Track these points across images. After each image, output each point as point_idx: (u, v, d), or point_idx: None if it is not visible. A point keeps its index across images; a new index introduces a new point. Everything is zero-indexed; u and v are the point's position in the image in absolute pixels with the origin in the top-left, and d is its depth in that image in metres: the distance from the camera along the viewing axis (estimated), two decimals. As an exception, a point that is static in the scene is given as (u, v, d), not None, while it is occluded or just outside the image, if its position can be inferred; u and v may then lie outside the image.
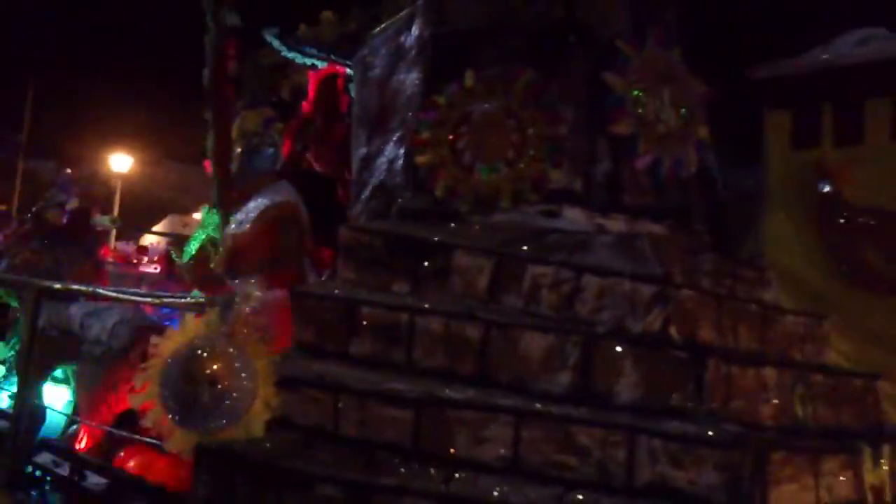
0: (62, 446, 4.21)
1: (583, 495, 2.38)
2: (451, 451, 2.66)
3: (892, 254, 3.61)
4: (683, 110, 3.77)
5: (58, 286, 4.34)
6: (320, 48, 5.34)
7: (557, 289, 3.04)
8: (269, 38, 6.85)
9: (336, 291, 3.34)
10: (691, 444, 2.33)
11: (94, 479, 3.81)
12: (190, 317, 3.14)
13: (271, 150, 4.30)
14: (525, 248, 3.22)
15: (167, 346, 3.08)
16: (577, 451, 2.48)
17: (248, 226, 3.77)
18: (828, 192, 3.77)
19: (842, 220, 3.71)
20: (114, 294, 4.05)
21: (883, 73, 3.71)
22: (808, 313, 3.65)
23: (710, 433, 2.33)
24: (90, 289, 4.24)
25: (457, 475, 2.58)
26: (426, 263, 3.31)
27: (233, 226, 3.90)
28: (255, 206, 3.84)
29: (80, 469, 3.88)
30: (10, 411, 4.29)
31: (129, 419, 4.19)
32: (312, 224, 4.31)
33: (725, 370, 2.61)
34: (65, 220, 5.57)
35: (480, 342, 2.91)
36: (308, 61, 6.35)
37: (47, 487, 3.94)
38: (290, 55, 6.57)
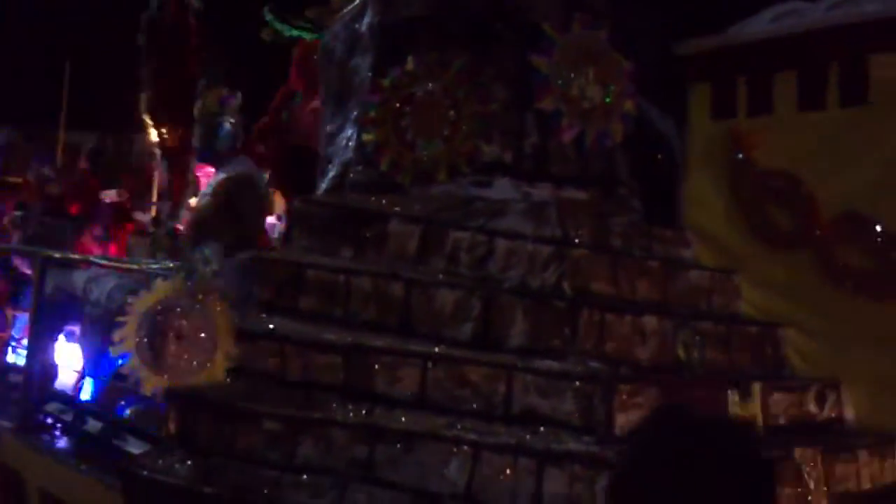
0: (68, 396, 4.78)
1: (469, 422, 2.85)
2: (373, 389, 3.14)
3: (794, 213, 3.98)
4: (610, 87, 4.16)
5: (58, 255, 4.88)
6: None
7: (473, 251, 3.49)
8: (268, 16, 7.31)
9: (288, 256, 3.83)
10: (554, 378, 2.79)
11: (94, 424, 4.38)
12: (160, 280, 3.65)
13: (229, 127, 4.76)
14: (450, 215, 3.68)
15: (140, 304, 3.59)
16: (469, 386, 2.95)
17: (207, 198, 4.26)
18: (740, 158, 4.14)
19: (751, 184, 4.08)
20: (100, 262, 4.58)
21: (789, 47, 4.04)
22: (719, 269, 4.07)
23: (568, 369, 2.79)
24: (83, 258, 4.76)
25: (376, 409, 3.06)
26: (367, 230, 3.79)
27: (197, 200, 4.39)
28: (214, 180, 4.32)
29: (81, 415, 4.44)
30: (23, 366, 4.87)
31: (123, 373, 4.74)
32: (296, 191, 4.78)
33: (599, 317, 3.05)
34: (59, 193, 6.09)
35: (403, 298, 3.38)
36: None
37: (55, 432, 4.51)
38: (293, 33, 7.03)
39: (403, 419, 2.94)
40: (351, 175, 4.24)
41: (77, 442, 4.28)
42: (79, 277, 5.14)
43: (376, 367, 3.17)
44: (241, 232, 4.27)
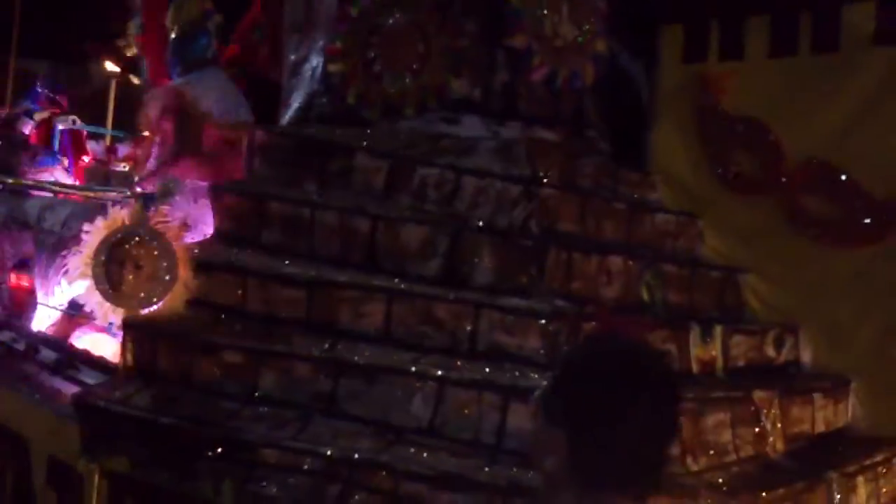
0: (20, 325, 4.68)
1: (434, 358, 2.84)
2: (336, 324, 3.11)
3: (760, 159, 3.99)
4: (584, 26, 4.09)
5: (10, 180, 4.73)
6: None
7: (441, 188, 3.44)
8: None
9: (250, 187, 3.74)
10: (521, 315, 2.78)
11: (46, 353, 4.29)
12: (116, 208, 3.54)
13: (205, 39, 4.60)
14: (417, 151, 3.61)
15: (97, 232, 3.49)
16: (434, 323, 2.93)
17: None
18: (709, 102, 4.13)
19: (719, 129, 4.08)
20: (55, 188, 4.45)
21: (763, -10, 4.02)
22: (683, 213, 4.08)
23: (535, 306, 2.78)
24: (35, 182, 4.62)
25: (339, 344, 3.03)
26: (332, 164, 3.71)
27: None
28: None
29: (34, 344, 4.35)
30: (-27, 294, 4.74)
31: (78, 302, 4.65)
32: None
33: (566, 257, 3.04)
34: (29, 130, 5.89)
35: (369, 234, 3.33)
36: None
37: (7, 361, 4.41)
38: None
39: (367, 353, 2.92)
40: (315, 107, 4.13)
41: (30, 371, 4.20)
42: (32, 205, 5.00)
43: (340, 301, 3.13)
44: (181, 157, 4.16)
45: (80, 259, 3.49)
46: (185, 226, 3.57)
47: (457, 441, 2.62)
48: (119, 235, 3.48)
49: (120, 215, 3.51)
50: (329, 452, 2.69)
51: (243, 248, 3.54)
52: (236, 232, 3.65)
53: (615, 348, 1.33)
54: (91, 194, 4.56)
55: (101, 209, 4.94)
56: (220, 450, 2.90)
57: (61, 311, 4.48)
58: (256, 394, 3.04)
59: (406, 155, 3.58)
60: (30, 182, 4.71)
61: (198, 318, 3.40)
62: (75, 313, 4.27)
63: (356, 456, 2.64)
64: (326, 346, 3.04)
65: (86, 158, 6.93)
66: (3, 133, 6.04)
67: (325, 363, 2.99)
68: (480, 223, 3.22)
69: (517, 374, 2.65)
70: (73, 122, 6.47)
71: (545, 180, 3.41)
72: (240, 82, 5.42)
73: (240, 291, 3.36)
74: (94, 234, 3.48)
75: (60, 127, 6.68)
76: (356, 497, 2.52)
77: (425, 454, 2.56)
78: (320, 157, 3.75)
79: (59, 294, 4.69)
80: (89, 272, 3.46)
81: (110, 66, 10.88)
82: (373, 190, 3.57)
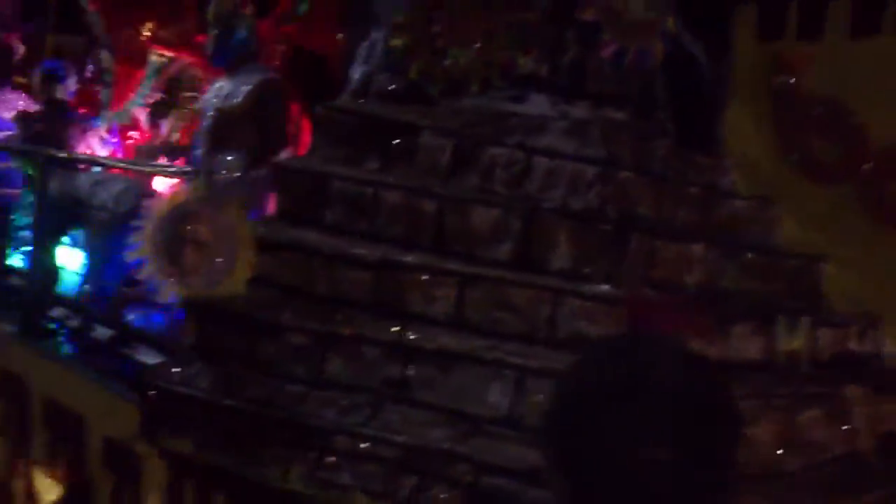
0: (74, 302, 4.64)
1: (511, 346, 2.73)
2: (405, 307, 3.01)
3: (841, 144, 3.82)
4: (654, 3, 3.93)
5: (62, 154, 4.66)
6: None
7: (510, 168, 3.31)
8: None
9: (312, 166, 3.64)
10: (604, 303, 2.66)
11: (101, 331, 4.25)
12: (178, 183, 3.46)
13: (245, 31, 4.49)
14: (484, 130, 3.49)
15: (158, 208, 3.41)
16: (510, 308, 2.82)
17: (238, 100, 4.04)
18: (785, 83, 3.95)
19: (796, 112, 3.91)
20: (109, 163, 4.38)
21: (847, -34, 3.82)
22: (758, 198, 3.91)
23: (619, 294, 2.66)
24: (91, 157, 4.55)
25: (409, 328, 2.93)
26: (395, 142, 3.59)
27: (213, 100, 4.16)
28: (235, 83, 4.09)
29: (88, 321, 4.31)
30: (26, 270, 4.70)
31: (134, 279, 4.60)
32: (306, 102, 4.56)
33: (647, 243, 2.91)
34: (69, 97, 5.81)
35: (436, 215, 3.22)
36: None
37: (60, 338, 4.38)
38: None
39: (440, 339, 2.82)
40: (376, 83, 4.01)
41: (84, 349, 4.16)
42: (84, 180, 4.94)
43: (409, 284, 3.03)
44: (266, 140, 4.06)
45: (140, 236, 3.41)
46: (248, 203, 3.47)
47: (535, 432, 2.51)
48: (180, 212, 3.40)
49: (181, 191, 3.43)
50: (403, 441, 2.60)
51: (306, 228, 3.45)
52: (299, 210, 3.55)
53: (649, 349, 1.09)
54: (148, 169, 4.47)
55: (151, 185, 4.91)
56: (287, 434, 2.83)
57: (116, 288, 4.43)
58: (323, 377, 2.95)
59: (473, 134, 3.46)
60: (95, 158, 4.62)
61: (261, 298, 3.31)
62: (131, 291, 4.22)
63: (432, 446, 2.54)
64: (396, 330, 2.94)
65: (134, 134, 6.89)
66: (52, 108, 5.98)
67: (395, 348, 2.90)
68: (555, 206, 3.08)
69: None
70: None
71: (621, 162, 3.27)
72: (293, 60, 5.33)
73: (305, 271, 3.27)
74: (154, 210, 3.40)
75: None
76: (435, 489, 2.43)
77: (508, 446, 2.45)
78: (383, 134, 3.63)
79: (113, 271, 4.64)
80: (149, 250, 3.39)
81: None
82: (438, 169, 3.44)
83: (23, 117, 5.84)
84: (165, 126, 7.06)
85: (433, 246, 3.19)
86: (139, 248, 3.41)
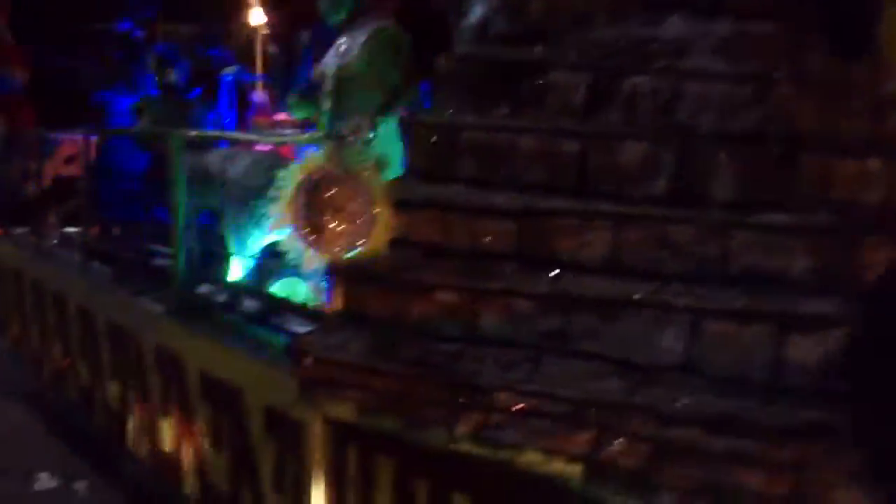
0: (217, 278, 4.72)
1: (680, 286, 2.54)
2: (554, 256, 2.86)
3: None
4: None
5: (194, 133, 4.71)
6: None
7: (656, 97, 3.08)
8: None
9: (440, 118, 3.51)
10: (782, 233, 2.43)
11: (248, 303, 4.30)
12: (310, 151, 3.40)
13: None
14: (621, 60, 3.25)
15: (293, 177, 3.37)
16: (673, 247, 2.62)
17: (354, 54, 3.93)
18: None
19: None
20: (240, 137, 4.38)
21: None
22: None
23: (799, 222, 2.42)
24: (221, 134, 4.58)
25: (562, 277, 2.78)
26: (523, 85, 3.41)
27: (333, 60, 4.06)
28: (351, 39, 3.98)
29: (235, 295, 4.38)
30: (170, 251, 4.82)
31: (274, 250, 4.64)
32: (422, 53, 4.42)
33: (822, 162, 2.64)
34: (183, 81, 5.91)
35: (578, 155, 3.03)
36: None
37: (210, 313, 4.47)
38: None
39: (598, 286, 2.66)
40: (494, 25, 3.82)
41: (234, 322, 4.22)
42: (213, 157, 5.01)
43: (557, 231, 2.88)
44: (390, 94, 3.95)
45: (279, 207, 3.38)
46: (381, 163, 3.38)
47: (719, 380, 2.33)
48: (316, 179, 3.35)
49: (314, 158, 3.37)
50: (571, 395, 2.47)
51: (441, 183, 3.33)
52: (430, 166, 3.44)
53: None
54: (279, 139, 4.46)
55: (278, 156, 4.92)
56: (448, 394, 2.75)
57: (257, 260, 4.47)
58: (478, 334, 2.85)
59: (609, 65, 3.23)
60: (228, 134, 4.68)
61: (403, 258, 3.23)
62: (271, 262, 4.25)
63: (604, 398, 2.40)
64: (548, 280, 2.80)
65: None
66: (168, 92, 6.10)
67: (550, 299, 2.76)
68: (711, 132, 2.84)
69: (787, 300, 2.31)
70: (239, 73, 6.47)
71: (776, 78, 2.98)
72: (405, 11, 5.20)
73: (443, 228, 3.16)
74: (290, 179, 3.36)
75: (228, 78, 6.73)
76: (614, 444, 2.29)
77: (687, 395, 2.29)
78: (509, 78, 3.45)
79: (251, 243, 4.70)
80: (289, 219, 3.36)
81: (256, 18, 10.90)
82: (573, 108, 3.25)
83: (142, 104, 6.00)
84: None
85: (578, 189, 3.02)
86: (279, 219, 3.39)
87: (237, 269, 4.73)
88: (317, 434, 3.32)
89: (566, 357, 2.63)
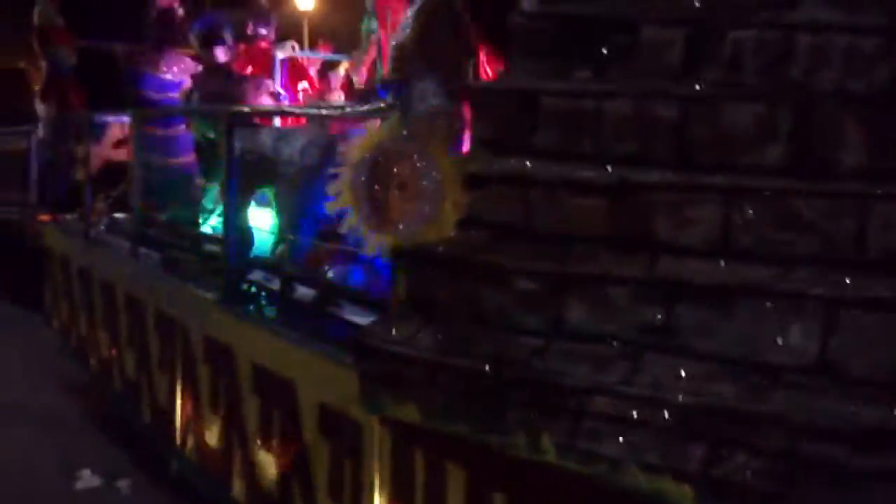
0: (270, 264, 4.44)
1: (808, 271, 2.15)
2: (652, 236, 2.49)
3: None
4: None
5: (246, 110, 4.42)
6: None
7: (763, 52, 2.68)
8: None
9: (513, 83, 3.14)
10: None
11: (303, 291, 4.00)
12: (372, 123, 3.07)
13: None
14: (721, 13, 2.85)
15: (353, 153, 3.05)
16: (798, 226, 2.23)
17: (407, 30, 3.60)
18: None
19: None
20: (297, 111, 4.07)
21: None
22: None
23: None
24: (277, 109, 4.27)
25: (661, 261, 2.42)
26: (608, 43, 3.03)
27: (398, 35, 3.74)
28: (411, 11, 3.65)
29: (289, 282, 4.08)
30: (220, 235, 4.55)
31: (330, 233, 4.35)
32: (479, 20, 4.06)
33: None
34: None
35: (677, 121, 2.65)
36: None
37: (261, 301, 4.19)
38: None
39: (708, 271, 2.28)
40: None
41: (288, 311, 3.93)
42: (266, 137, 4.72)
43: (655, 208, 2.50)
44: (450, 64, 3.60)
45: (338, 185, 3.07)
46: (449, 135, 3.04)
47: (862, 383, 1.95)
48: (378, 154, 3.02)
49: (377, 131, 3.05)
50: (680, 400, 2.11)
51: (517, 155, 2.97)
52: (504, 137, 3.07)
53: None
54: (337, 113, 4.13)
55: (334, 136, 4.60)
56: (531, 395, 2.40)
57: (313, 243, 4.17)
58: (564, 327, 2.50)
59: (709, 18, 2.83)
60: (269, 108, 4.37)
61: (475, 241, 2.89)
62: (329, 246, 3.94)
63: (721, 404, 2.03)
64: (646, 264, 2.43)
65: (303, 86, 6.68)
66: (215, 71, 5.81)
67: (650, 286, 2.39)
68: (833, 90, 2.44)
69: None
70: (293, 48, 6.18)
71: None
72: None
73: (522, 205, 2.81)
74: (351, 156, 3.04)
75: (280, 56, 6.44)
76: (736, 459, 1.92)
77: (823, 402, 1.91)
78: (591, 37, 3.07)
79: (306, 227, 4.40)
80: (350, 199, 3.04)
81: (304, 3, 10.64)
82: (667, 68, 2.85)
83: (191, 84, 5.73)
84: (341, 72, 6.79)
85: (677, 159, 2.64)
86: (339, 199, 3.07)
87: (291, 254, 4.44)
88: (378, 437, 3.01)
89: (671, 355, 2.26)
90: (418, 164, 3.01)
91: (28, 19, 8.06)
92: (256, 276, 4.36)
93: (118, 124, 7.19)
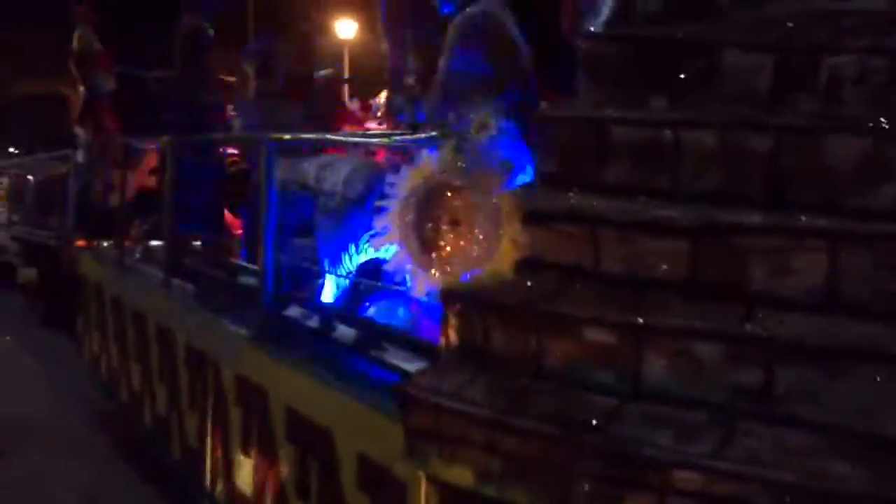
0: (310, 300, 4.19)
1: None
2: (744, 286, 2.19)
3: None
4: None
5: (287, 136, 4.20)
6: None
7: (866, 81, 2.39)
8: None
9: (581, 112, 2.88)
10: None
11: (343, 330, 3.75)
12: (424, 153, 2.83)
13: None
14: (812, 38, 2.57)
15: (404, 185, 2.80)
16: (921, 278, 1.93)
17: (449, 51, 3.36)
18: None
19: None
20: (342, 139, 3.84)
21: None
22: None
23: None
24: (321, 136, 4.05)
25: (758, 313, 2.12)
26: (685, 69, 2.75)
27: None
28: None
29: (329, 321, 3.83)
30: (257, 268, 4.31)
31: (372, 269, 4.10)
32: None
33: None
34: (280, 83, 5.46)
35: (769, 154, 2.37)
36: None
37: (298, 340, 3.93)
38: None
39: (816, 328, 1.98)
40: (639, 3, 3.18)
41: (328, 352, 3.67)
42: (309, 165, 4.51)
43: (748, 253, 2.21)
44: (500, 84, 3.34)
45: (387, 220, 2.82)
46: (508, 168, 2.79)
47: None
48: (430, 187, 2.77)
49: (429, 162, 2.80)
50: (785, 478, 1.80)
51: (584, 191, 2.70)
52: (569, 171, 2.81)
53: None
54: (388, 141, 3.90)
55: (379, 165, 4.37)
56: (603, 464, 2.11)
57: (353, 280, 3.92)
58: (643, 387, 2.20)
59: (799, 43, 2.55)
60: (312, 136, 4.15)
61: (537, 284, 2.62)
62: (374, 284, 3.68)
63: (840, 489, 1.72)
64: (739, 317, 2.14)
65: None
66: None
67: (744, 343, 2.09)
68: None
69: None
70: (333, 73, 6.00)
71: None
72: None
73: (590, 247, 2.53)
74: (399, 187, 2.79)
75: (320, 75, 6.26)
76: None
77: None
78: (669, 62, 2.81)
79: (348, 261, 4.16)
80: (399, 234, 2.79)
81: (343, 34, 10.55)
82: (754, 96, 2.58)
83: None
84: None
85: (769, 198, 2.35)
86: (387, 234, 2.81)
87: (331, 291, 4.19)
88: (425, 497, 2.72)
89: (770, 424, 1.96)
90: (473, 199, 2.75)
91: (68, 44, 8.02)
92: (294, 312, 4.12)
93: (154, 151, 7.05)
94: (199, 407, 4.63)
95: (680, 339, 2.19)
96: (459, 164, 2.79)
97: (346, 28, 18.55)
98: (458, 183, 2.74)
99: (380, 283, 3.72)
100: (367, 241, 4.03)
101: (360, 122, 7.36)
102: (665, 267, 2.35)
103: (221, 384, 4.29)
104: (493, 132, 2.83)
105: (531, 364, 2.48)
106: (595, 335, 2.35)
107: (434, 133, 3.10)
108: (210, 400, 4.45)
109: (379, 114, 7.73)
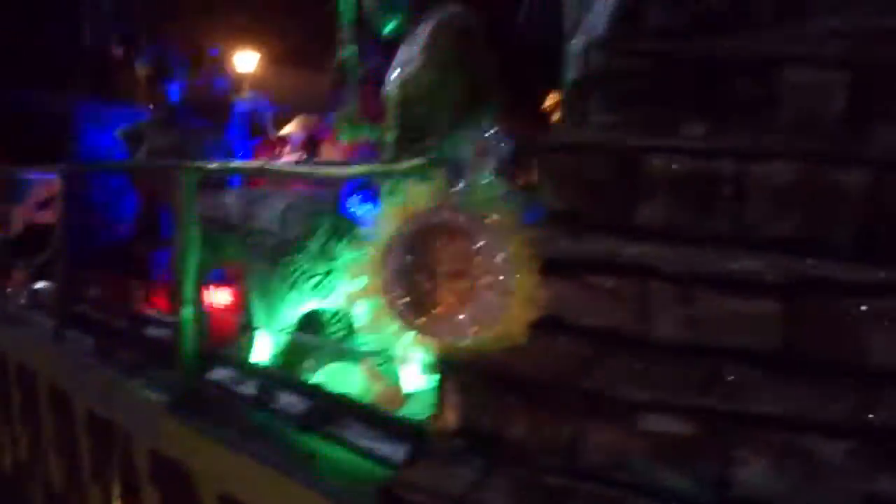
0: (241, 361, 3.50)
1: None
2: (857, 361, 1.70)
3: None
4: None
5: (215, 165, 3.53)
6: None
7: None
8: None
9: (602, 139, 2.37)
10: None
11: (287, 399, 3.07)
12: (412, 184, 2.23)
13: None
14: (891, 51, 2.15)
15: (386, 226, 2.20)
16: None
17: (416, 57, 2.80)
18: None
19: None
20: (289, 170, 3.20)
21: None
22: None
23: None
24: (257, 166, 3.40)
25: (879, 397, 1.62)
26: (730, 89, 2.29)
27: (394, 73, 2.94)
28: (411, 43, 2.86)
29: (266, 386, 3.15)
30: (172, 319, 3.59)
31: (312, 322, 3.47)
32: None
33: None
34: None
35: (865, 192, 1.90)
36: None
37: (230, 410, 3.23)
38: None
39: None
40: (650, 17, 2.71)
41: (266, 425, 3.00)
42: (234, 199, 3.84)
43: (861, 319, 1.72)
44: (477, 100, 2.80)
45: (363, 268, 2.20)
46: (514, 205, 2.22)
47: None
48: (418, 226, 2.17)
49: (417, 195, 2.21)
50: None
51: (612, 235, 2.18)
52: (588, 210, 2.29)
53: None
54: (358, 171, 3.26)
55: (318, 201, 3.75)
56: None
57: (291, 336, 3.26)
58: (732, 493, 1.67)
59: (881, 57, 2.12)
60: (253, 164, 3.50)
61: (559, 353, 2.06)
62: (312, 338, 3.03)
63: None
64: (854, 402, 1.64)
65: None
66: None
67: (860, 434, 1.59)
68: None
69: None
70: (256, 103, 5.38)
71: None
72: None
73: (636, 306, 2.00)
74: (382, 228, 2.19)
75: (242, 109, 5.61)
76: None
77: None
78: (707, 81, 2.34)
79: (284, 313, 3.50)
80: (379, 287, 2.17)
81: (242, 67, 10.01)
82: (821, 121, 2.13)
83: (136, 131, 4.85)
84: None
85: (857, 247, 1.88)
86: (363, 286, 2.20)
87: (267, 348, 3.52)
88: None
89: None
90: (476, 243, 2.17)
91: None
92: (221, 374, 3.41)
93: (44, 182, 6.19)
94: (105, 487, 3.84)
95: (778, 432, 1.67)
96: (455, 200, 2.21)
97: (246, 60, 17.71)
98: (456, 224, 2.16)
99: (323, 339, 3.08)
100: (312, 288, 3.41)
101: (278, 155, 6.72)
102: (747, 333, 1.83)
103: (133, 462, 3.53)
104: (502, 158, 2.27)
105: (562, 457, 1.92)
106: (656, 422, 1.81)
107: (418, 160, 2.51)
108: (119, 480, 3.68)
109: (299, 145, 7.11)
